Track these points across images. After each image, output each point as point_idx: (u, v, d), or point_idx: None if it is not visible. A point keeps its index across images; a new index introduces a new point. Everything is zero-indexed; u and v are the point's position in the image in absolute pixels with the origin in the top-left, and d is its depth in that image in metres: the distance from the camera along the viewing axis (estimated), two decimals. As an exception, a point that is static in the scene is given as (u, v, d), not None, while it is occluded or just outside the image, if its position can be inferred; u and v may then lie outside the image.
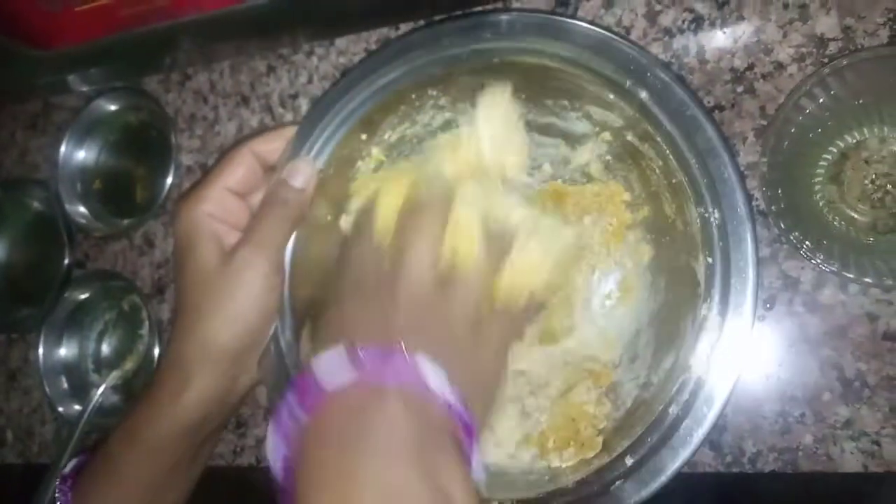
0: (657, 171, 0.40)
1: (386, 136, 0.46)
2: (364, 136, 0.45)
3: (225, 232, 0.42)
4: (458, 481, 0.29)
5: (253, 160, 0.43)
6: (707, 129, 0.37)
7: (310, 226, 0.44)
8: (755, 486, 0.42)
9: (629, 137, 0.41)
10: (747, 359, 0.37)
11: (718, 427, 0.42)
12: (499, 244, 0.36)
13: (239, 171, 0.42)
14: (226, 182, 0.42)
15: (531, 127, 0.45)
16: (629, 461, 0.38)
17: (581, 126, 0.43)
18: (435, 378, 0.31)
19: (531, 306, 0.37)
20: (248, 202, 0.43)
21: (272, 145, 0.44)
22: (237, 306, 0.40)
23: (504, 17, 0.41)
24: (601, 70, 0.39)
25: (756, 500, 0.43)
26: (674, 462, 0.37)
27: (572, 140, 0.45)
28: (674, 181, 0.39)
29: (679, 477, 0.37)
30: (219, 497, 0.55)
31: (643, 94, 0.38)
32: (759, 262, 0.37)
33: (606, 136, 0.43)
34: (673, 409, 0.37)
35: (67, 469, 0.44)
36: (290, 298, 0.43)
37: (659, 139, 0.39)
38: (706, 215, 0.38)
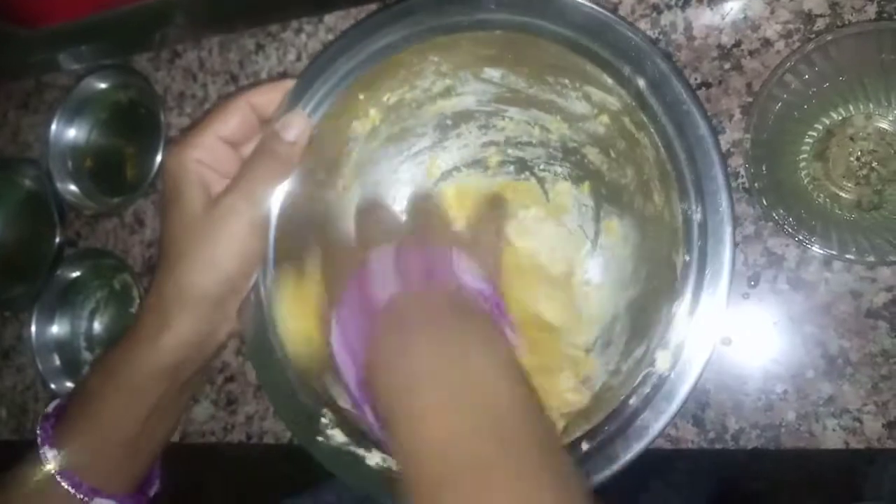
0: (650, 159, 0.40)
1: (385, 98, 0.45)
2: (362, 97, 0.45)
3: (214, 180, 0.42)
4: (505, 357, 0.35)
5: (248, 111, 0.43)
6: (700, 127, 0.37)
7: (302, 181, 0.44)
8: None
9: (626, 123, 0.41)
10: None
11: (701, 404, 0.42)
12: None
13: (233, 120, 0.42)
14: (218, 130, 0.42)
15: (532, 103, 0.44)
16: (585, 447, 0.38)
17: (580, 106, 0.43)
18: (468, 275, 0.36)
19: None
20: (240, 152, 0.43)
21: (268, 97, 0.43)
22: (218, 251, 0.40)
23: None
24: (601, 53, 0.39)
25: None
26: (626, 453, 0.37)
27: (571, 119, 0.44)
28: (663, 172, 0.39)
29: (662, 453, 0.37)
30: (211, 472, 0.55)
31: (641, 83, 0.38)
32: (734, 265, 0.37)
33: (604, 118, 0.43)
34: (633, 401, 0.37)
35: (50, 408, 0.44)
36: (274, 250, 0.43)
37: (652, 129, 0.38)
38: (689, 212, 0.37)
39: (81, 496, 0.41)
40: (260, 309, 0.44)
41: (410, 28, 0.42)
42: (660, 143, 0.38)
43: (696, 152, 0.37)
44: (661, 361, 0.38)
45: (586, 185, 0.46)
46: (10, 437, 0.64)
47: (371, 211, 0.45)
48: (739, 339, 0.42)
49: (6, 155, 0.65)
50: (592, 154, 0.45)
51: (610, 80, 0.39)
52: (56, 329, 0.60)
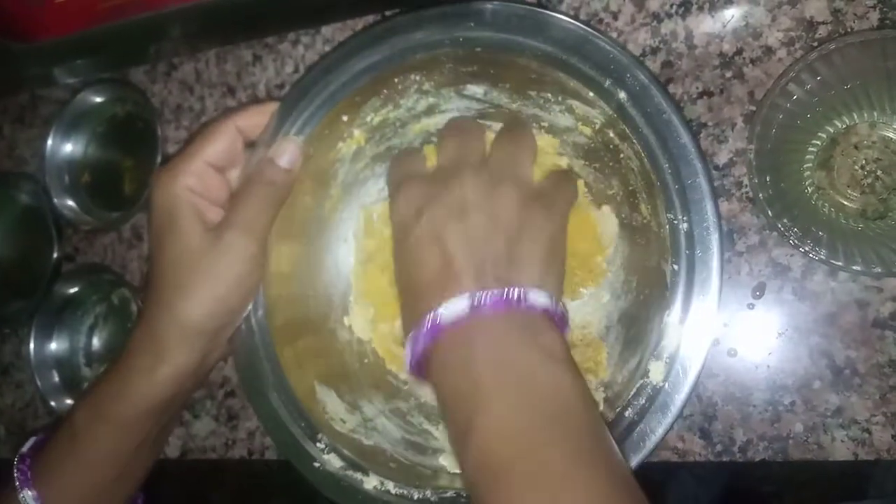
0: (635, 170, 0.40)
1: (368, 119, 0.45)
2: (345, 118, 0.44)
3: (205, 207, 0.41)
4: (557, 342, 0.35)
5: (235, 134, 0.42)
6: (682, 136, 0.37)
7: (289, 204, 0.44)
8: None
9: (610, 135, 0.40)
10: (711, 371, 0.37)
11: (708, 416, 0.42)
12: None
13: (220, 144, 0.42)
14: (207, 156, 0.41)
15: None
16: None
17: (564, 119, 0.43)
18: (532, 296, 0.36)
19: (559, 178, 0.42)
20: (226, 176, 0.43)
21: (254, 120, 0.43)
22: (221, 288, 0.40)
23: (488, 6, 0.40)
24: (581, 67, 0.38)
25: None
26: None
27: (555, 132, 0.44)
28: (649, 183, 0.39)
29: (668, 466, 0.37)
30: (213, 488, 0.55)
31: (621, 95, 0.38)
32: (723, 273, 0.37)
33: (588, 131, 0.43)
34: (629, 413, 0.37)
35: (25, 448, 0.43)
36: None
37: (635, 141, 0.38)
38: (675, 221, 0.37)
39: None
40: (251, 336, 0.43)
41: (391, 48, 0.42)
42: (643, 154, 0.38)
43: (679, 162, 0.37)
44: (655, 372, 0.37)
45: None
46: (10, 455, 0.64)
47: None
48: (745, 350, 0.42)
49: (2, 169, 0.64)
50: (578, 166, 0.45)
51: (591, 94, 0.39)
52: (55, 345, 0.60)
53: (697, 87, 0.43)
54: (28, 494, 0.41)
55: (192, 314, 0.40)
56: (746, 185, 0.42)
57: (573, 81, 0.39)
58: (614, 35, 0.45)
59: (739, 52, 0.43)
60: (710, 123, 0.43)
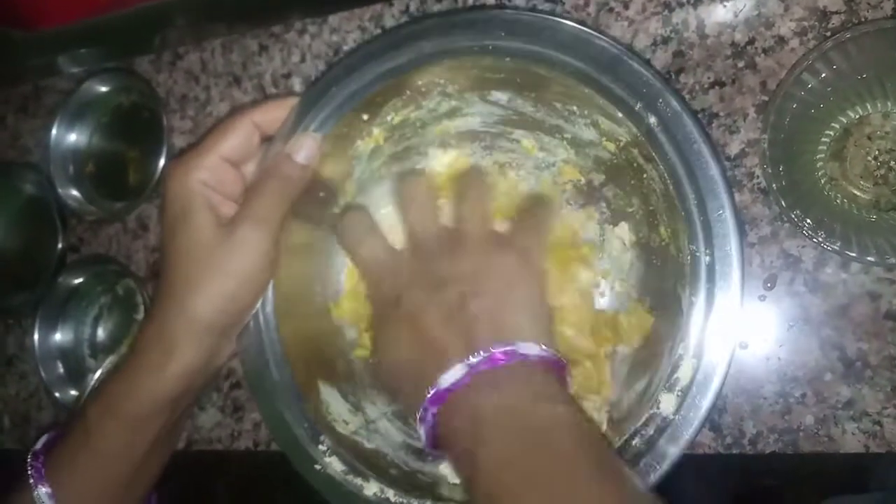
0: (657, 192, 0.39)
1: (388, 118, 0.45)
2: (366, 117, 0.44)
3: (219, 202, 0.41)
4: (551, 383, 0.36)
5: (252, 129, 0.42)
6: (710, 168, 0.36)
7: (303, 199, 0.43)
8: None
9: (634, 154, 0.40)
10: (715, 407, 0.37)
11: (718, 408, 0.42)
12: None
13: (237, 139, 0.41)
14: (223, 150, 0.41)
15: (538, 126, 0.44)
16: None
17: (588, 133, 0.42)
18: (523, 348, 0.36)
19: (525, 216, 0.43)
20: (241, 171, 0.43)
21: (272, 115, 0.43)
22: (233, 283, 0.40)
23: (520, 16, 0.39)
24: (612, 87, 0.38)
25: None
26: None
27: (577, 145, 0.44)
28: (671, 208, 0.38)
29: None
30: (218, 479, 0.55)
31: (651, 120, 0.37)
32: (742, 310, 0.36)
33: (612, 147, 0.42)
34: (636, 443, 0.37)
35: (39, 445, 0.43)
36: None
37: (662, 166, 0.38)
38: (697, 253, 0.37)
39: None
40: (259, 334, 0.43)
41: (417, 52, 0.41)
42: (669, 180, 0.38)
43: (705, 194, 0.37)
44: (666, 403, 0.37)
45: (591, 211, 0.46)
46: (14, 445, 0.64)
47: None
48: (756, 342, 0.42)
49: (6, 159, 0.64)
50: (598, 181, 0.44)
51: (620, 113, 0.39)
52: (59, 336, 0.60)
53: (709, 77, 0.43)
54: (42, 491, 0.40)
55: (201, 310, 0.39)
56: (758, 176, 0.42)
57: (602, 99, 0.38)
58: (625, 24, 0.45)
59: (752, 41, 0.42)
60: (721, 114, 0.43)
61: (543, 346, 0.36)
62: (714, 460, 0.43)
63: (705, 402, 0.36)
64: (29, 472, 0.41)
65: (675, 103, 0.37)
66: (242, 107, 0.43)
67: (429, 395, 0.35)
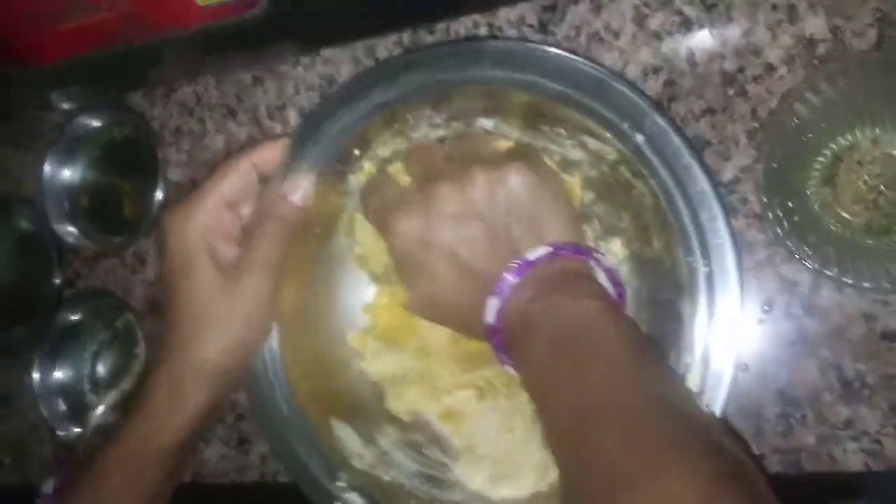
0: (648, 206, 0.40)
1: (378, 152, 0.45)
2: (357, 152, 0.45)
3: (219, 244, 0.42)
4: (602, 294, 0.38)
5: (249, 169, 0.43)
6: (700, 180, 0.38)
7: (300, 236, 0.44)
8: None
9: (623, 171, 0.41)
10: (728, 404, 0.38)
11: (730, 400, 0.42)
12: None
13: (235, 181, 0.42)
14: (222, 192, 0.42)
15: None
16: None
17: (575, 154, 0.43)
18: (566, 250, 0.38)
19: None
20: (239, 211, 0.43)
21: (267, 155, 0.44)
22: (239, 328, 0.41)
23: (503, 45, 0.40)
24: (599, 110, 0.39)
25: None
26: None
27: (565, 165, 0.44)
28: (664, 222, 0.39)
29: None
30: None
31: (639, 138, 0.38)
32: (743, 313, 0.38)
33: (600, 166, 0.43)
34: None
35: (48, 489, 0.44)
36: None
37: (653, 182, 0.39)
38: (694, 265, 0.38)
39: None
40: (265, 372, 0.44)
41: (406, 84, 0.42)
42: (660, 195, 0.39)
43: (697, 206, 0.38)
44: None
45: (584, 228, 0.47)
46: (15, 481, 0.64)
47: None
48: (756, 364, 0.42)
49: (-2, 194, 0.64)
50: (588, 198, 0.45)
51: (608, 134, 0.40)
52: (59, 373, 0.60)
53: (701, 106, 0.44)
54: None
55: (210, 356, 0.41)
56: (752, 201, 0.43)
57: (589, 121, 0.39)
58: (616, 55, 0.46)
59: (741, 69, 0.43)
60: (714, 141, 0.44)
61: (585, 246, 0.38)
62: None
63: (718, 406, 0.38)
64: None
65: (661, 121, 0.38)
66: (239, 149, 0.44)
67: (489, 315, 0.37)
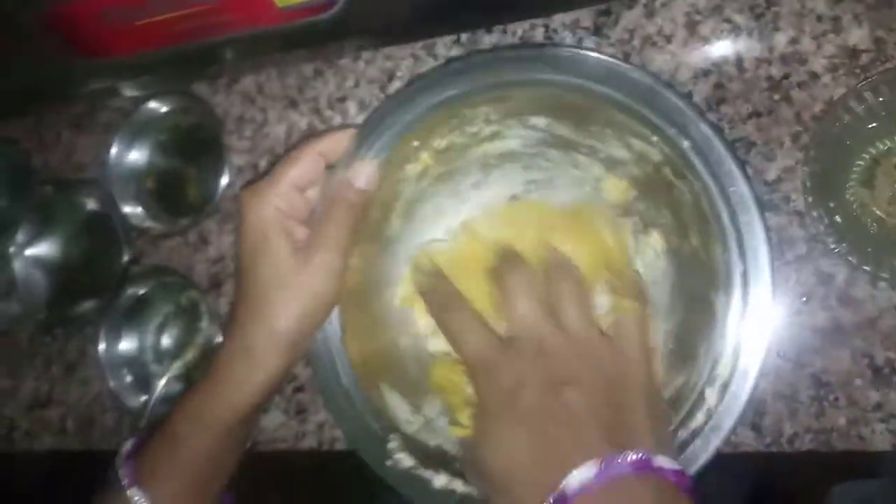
0: (687, 205, 0.43)
1: (435, 144, 0.48)
2: (416, 143, 0.48)
3: (292, 226, 0.45)
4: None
5: (317, 157, 0.46)
6: (741, 186, 0.41)
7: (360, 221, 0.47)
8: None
9: (666, 172, 0.44)
10: (752, 405, 0.41)
11: (759, 412, 0.46)
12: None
13: (305, 167, 0.45)
14: (293, 178, 0.45)
15: (572, 146, 0.47)
16: None
17: (621, 153, 0.46)
18: (657, 460, 0.36)
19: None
20: (307, 195, 0.47)
21: (334, 144, 0.47)
22: (310, 303, 0.44)
23: (564, 52, 0.43)
24: (648, 115, 0.42)
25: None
26: None
27: (610, 164, 0.47)
28: (703, 221, 0.42)
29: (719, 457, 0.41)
30: (282, 477, 0.59)
31: (685, 144, 0.41)
32: (774, 310, 0.41)
33: (644, 166, 0.46)
34: (682, 434, 0.41)
35: (128, 448, 0.47)
36: None
37: (695, 184, 0.42)
38: (731, 263, 0.41)
39: None
40: (327, 344, 0.48)
41: (468, 84, 0.45)
42: (702, 196, 0.42)
43: (737, 209, 0.41)
44: (709, 398, 0.41)
45: (625, 222, 0.49)
46: (78, 447, 0.67)
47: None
48: (793, 351, 0.46)
49: (61, 175, 0.67)
50: (631, 195, 0.48)
51: (655, 138, 0.42)
52: (124, 345, 0.63)
53: (747, 108, 0.47)
54: (136, 492, 0.44)
55: (284, 327, 0.44)
56: (794, 200, 0.46)
57: (637, 125, 0.42)
58: (668, 57, 0.49)
59: (787, 76, 0.46)
60: (759, 142, 0.47)
61: (673, 461, 0.37)
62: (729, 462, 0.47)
63: (744, 395, 0.41)
64: (120, 474, 0.45)
65: (706, 129, 0.41)
66: (308, 138, 0.47)
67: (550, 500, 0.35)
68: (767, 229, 0.41)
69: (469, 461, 0.42)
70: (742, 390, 0.41)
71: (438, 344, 0.52)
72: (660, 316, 0.48)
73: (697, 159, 0.42)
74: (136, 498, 0.44)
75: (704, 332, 0.43)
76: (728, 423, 0.41)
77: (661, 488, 0.36)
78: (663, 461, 0.36)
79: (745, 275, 0.41)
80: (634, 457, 0.35)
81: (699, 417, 0.41)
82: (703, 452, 0.41)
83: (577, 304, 0.42)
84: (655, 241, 0.48)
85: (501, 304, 0.43)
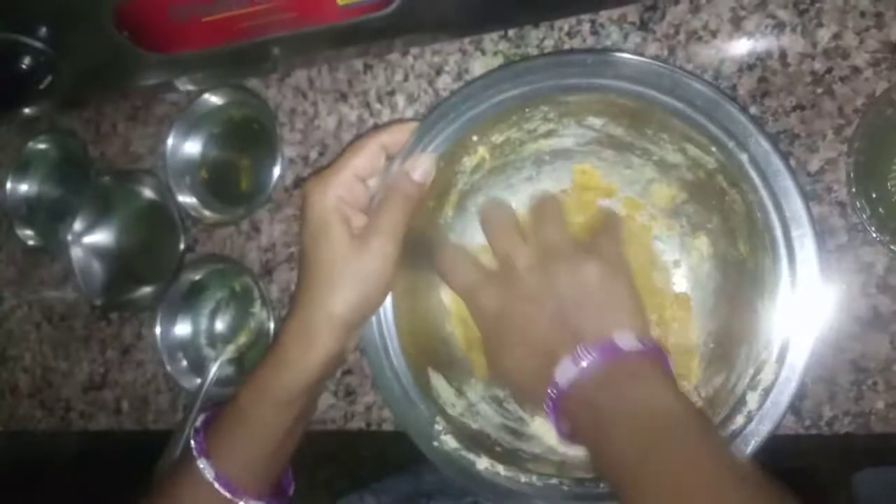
0: (738, 213, 0.45)
1: (493, 138, 0.50)
2: (475, 138, 0.50)
3: (352, 214, 0.47)
4: (675, 393, 0.41)
5: (378, 149, 0.48)
6: (796, 201, 0.42)
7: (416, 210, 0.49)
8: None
9: (719, 180, 0.45)
10: (794, 402, 0.42)
11: (799, 395, 0.48)
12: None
13: (366, 158, 0.48)
14: (355, 168, 0.47)
15: (626, 147, 0.49)
16: None
17: (674, 157, 0.47)
18: (627, 343, 0.41)
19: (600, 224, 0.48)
20: (367, 185, 0.49)
21: (395, 137, 0.49)
22: (366, 286, 0.46)
23: (628, 60, 0.45)
24: (707, 125, 0.43)
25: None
26: None
27: (662, 166, 0.49)
28: (753, 231, 0.43)
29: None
30: (330, 456, 0.61)
31: (744, 157, 0.43)
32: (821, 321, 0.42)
33: (697, 171, 0.47)
34: (728, 429, 0.43)
35: (198, 423, 0.50)
36: None
37: (749, 195, 0.43)
38: (779, 274, 0.42)
39: (237, 500, 0.47)
40: (380, 328, 0.50)
41: (530, 86, 0.47)
42: (755, 207, 0.43)
43: (790, 223, 0.42)
44: (750, 401, 0.43)
45: (672, 224, 0.51)
46: (133, 427, 0.70)
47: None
48: (832, 337, 0.47)
49: (117, 166, 0.70)
50: (680, 199, 0.50)
51: (713, 148, 0.44)
52: (179, 329, 0.66)
53: (791, 102, 0.48)
54: (205, 462, 0.47)
55: (341, 309, 0.46)
56: (836, 190, 0.47)
57: (694, 132, 0.44)
58: (713, 52, 0.50)
59: (829, 70, 0.48)
60: (802, 134, 0.48)
61: (646, 338, 0.42)
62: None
63: (785, 401, 0.42)
64: (192, 446, 0.48)
65: (765, 143, 0.43)
66: (371, 130, 0.49)
67: (550, 395, 0.42)
68: (819, 240, 0.42)
69: (494, 377, 0.49)
70: (783, 398, 0.42)
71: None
72: (702, 315, 0.50)
73: (754, 172, 0.43)
74: (203, 467, 0.47)
75: (746, 335, 0.44)
76: (767, 427, 0.42)
77: (639, 369, 0.41)
78: (629, 341, 0.41)
79: (793, 287, 0.42)
80: (609, 343, 0.41)
81: (739, 420, 0.43)
82: (743, 448, 0.42)
83: (555, 222, 0.46)
84: (702, 244, 0.50)
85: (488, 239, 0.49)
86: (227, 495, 0.47)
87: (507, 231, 0.48)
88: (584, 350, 0.41)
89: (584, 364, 0.41)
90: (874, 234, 0.43)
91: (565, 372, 0.41)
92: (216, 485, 0.46)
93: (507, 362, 0.45)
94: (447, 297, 0.56)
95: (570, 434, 0.43)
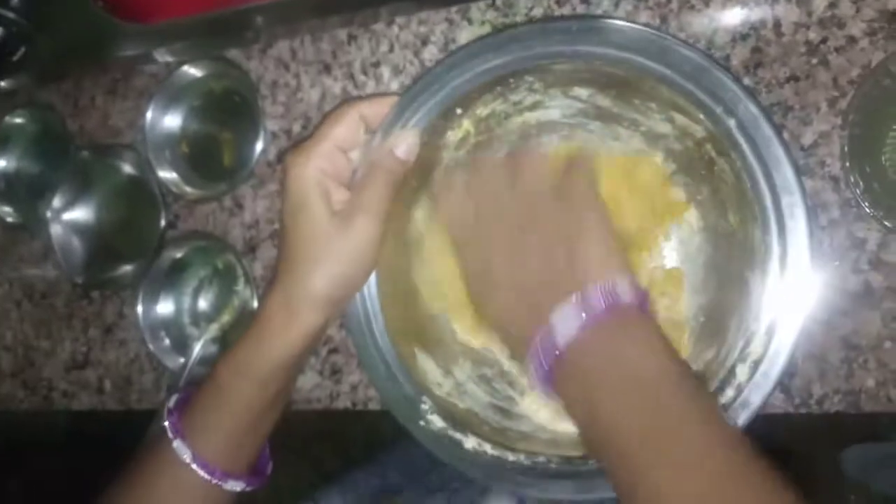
0: (728, 183, 0.43)
1: (478, 112, 0.49)
2: (459, 111, 0.48)
3: (333, 187, 0.46)
4: (662, 346, 0.40)
5: (358, 120, 0.47)
6: (786, 169, 0.41)
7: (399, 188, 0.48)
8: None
9: (707, 148, 0.44)
10: (784, 377, 0.42)
11: (789, 373, 0.47)
12: None
13: (346, 128, 0.46)
14: (336, 138, 0.46)
15: (613, 119, 0.48)
16: None
17: (663, 127, 0.46)
18: (613, 290, 0.40)
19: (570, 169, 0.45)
20: (350, 157, 0.48)
21: (375, 109, 0.48)
22: (348, 265, 0.46)
23: (614, 24, 0.43)
24: (695, 92, 0.42)
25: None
26: None
27: (650, 137, 0.47)
28: (743, 201, 0.42)
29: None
30: (316, 435, 0.61)
31: (731, 122, 0.41)
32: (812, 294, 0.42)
33: (685, 141, 0.46)
34: (718, 402, 0.42)
35: (171, 404, 0.49)
36: None
37: (738, 163, 0.42)
38: (770, 244, 0.41)
39: (215, 481, 0.46)
40: (364, 307, 0.49)
41: (514, 54, 0.45)
42: (744, 176, 0.42)
43: (781, 192, 0.41)
44: (740, 374, 0.42)
45: None
46: (116, 406, 0.69)
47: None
48: (823, 313, 0.47)
49: (96, 140, 0.68)
50: (669, 170, 0.48)
51: (701, 115, 0.42)
52: (161, 307, 0.65)
53: (785, 73, 0.47)
54: (180, 444, 0.46)
55: (322, 285, 0.45)
56: (829, 164, 0.46)
57: (682, 101, 0.42)
58: (706, 21, 0.49)
59: (824, 40, 0.46)
60: (796, 106, 0.47)
61: (627, 281, 0.41)
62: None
63: (775, 373, 0.41)
64: (166, 427, 0.47)
65: (754, 109, 0.41)
66: (350, 99, 0.48)
67: (539, 353, 0.40)
68: (809, 210, 0.41)
69: (484, 322, 0.50)
70: (773, 370, 0.41)
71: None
72: (692, 289, 0.49)
73: (743, 139, 0.41)
74: (179, 448, 0.46)
75: (737, 308, 0.43)
76: (757, 399, 0.41)
77: (626, 317, 0.40)
78: (618, 289, 0.40)
79: (783, 258, 0.41)
80: (592, 290, 0.40)
81: (729, 392, 0.42)
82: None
83: (534, 169, 0.45)
84: (692, 216, 0.49)
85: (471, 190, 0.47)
86: (206, 476, 0.46)
87: (492, 174, 0.47)
88: (582, 298, 0.40)
89: (584, 315, 0.39)
90: (867, 210, 0.42)
91: (565, 319, 0.40)
92: (194, 466, 0.46)
93: (491, 307, 0.45)
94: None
95: (553, 385, 0.41)
